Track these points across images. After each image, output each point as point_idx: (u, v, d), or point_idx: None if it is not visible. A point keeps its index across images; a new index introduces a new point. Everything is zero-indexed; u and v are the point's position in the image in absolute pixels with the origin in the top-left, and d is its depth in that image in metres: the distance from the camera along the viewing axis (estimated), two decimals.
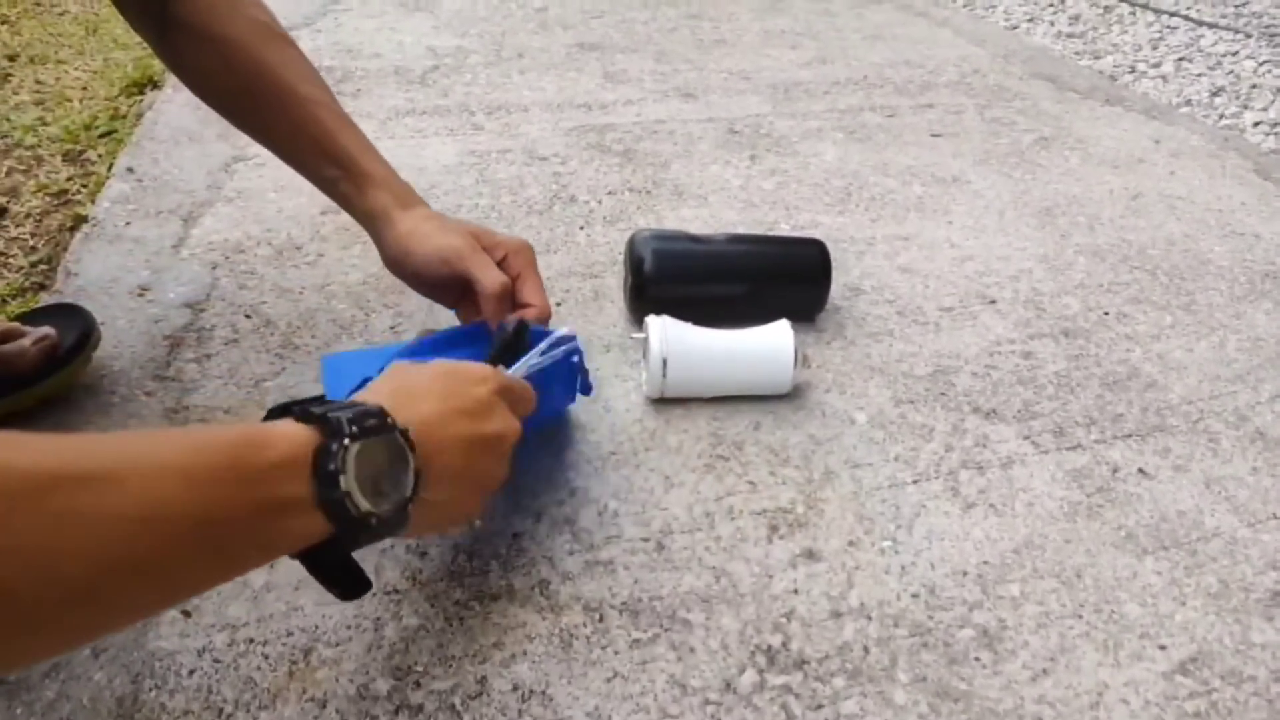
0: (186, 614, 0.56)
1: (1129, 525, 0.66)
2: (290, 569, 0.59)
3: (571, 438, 0.72)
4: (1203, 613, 0.60)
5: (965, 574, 0.62)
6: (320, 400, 0.47)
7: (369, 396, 0.47)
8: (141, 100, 1.32)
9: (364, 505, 0.41)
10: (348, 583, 0.48)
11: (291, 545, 0.41)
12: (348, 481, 0.40)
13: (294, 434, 0.41)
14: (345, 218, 0.70)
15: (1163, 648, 0.58)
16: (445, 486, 0.47)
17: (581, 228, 1.02)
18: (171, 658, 0.54)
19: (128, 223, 0.98)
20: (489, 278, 0.64)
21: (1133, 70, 1.67)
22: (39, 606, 0.32)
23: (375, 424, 0.43)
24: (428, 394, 0.49)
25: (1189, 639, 0.58)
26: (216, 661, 0.54)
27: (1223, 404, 0.79)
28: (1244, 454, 0.74)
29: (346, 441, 0.41)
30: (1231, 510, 0.68)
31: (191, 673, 0.53)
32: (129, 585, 0.35)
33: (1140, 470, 0.71)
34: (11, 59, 1.46)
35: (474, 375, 0.52)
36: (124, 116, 1.27)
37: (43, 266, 0.93)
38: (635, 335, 0.80)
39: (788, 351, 0.74)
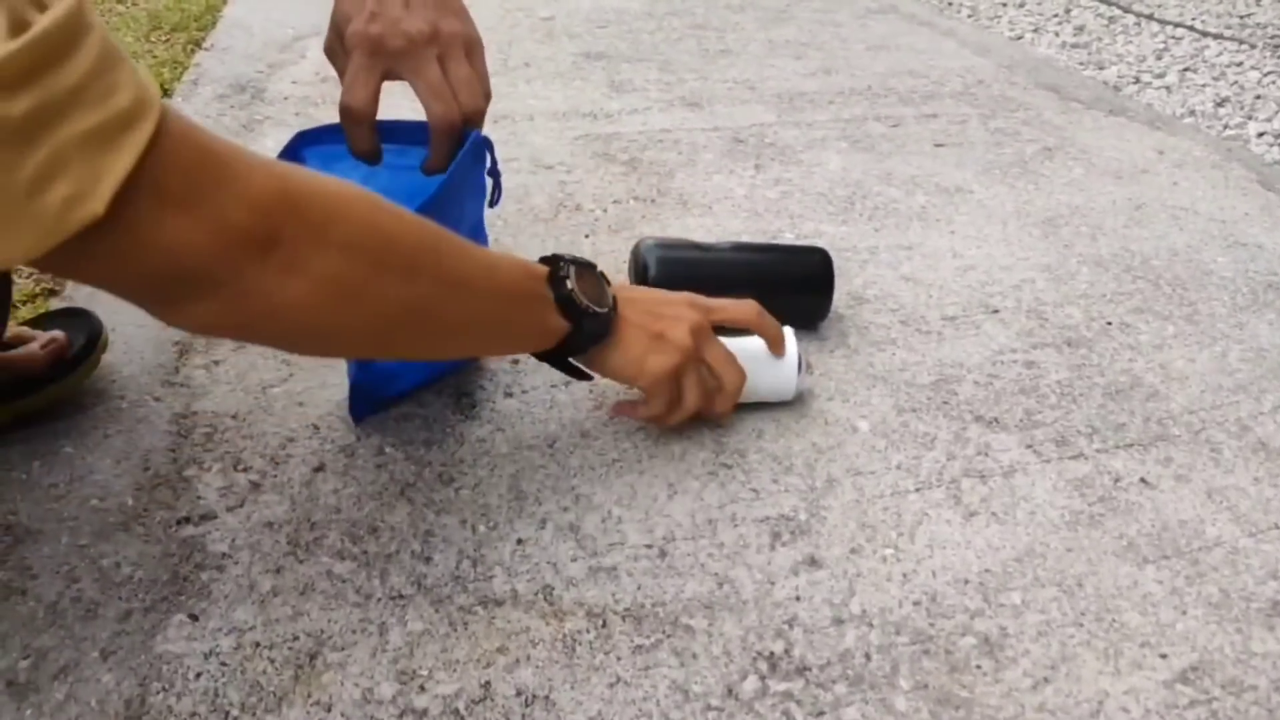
0: (194, 617, 0.57)
1: (1130, 534, 0.67)
2: (296, 575, 0.60)
3: (576, 444, 0.72)
4: (1204, 622, 0.60)
5: (967, 582, 0.62)
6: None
7: None
8: None
9: (584, 301, 0.62)
10: (577, 374, 0.69)
11: (544, 335, 0.63)
12: (572, 284, 0.62)
13: (540, 265, 0.63)
14: None
15: (1164, 656, 0.58)
16: (630, 330, 0.66)
17: (587, 236, 1.02)
18: (179, 661, 0.54)
19: None
20: (343, 95, 0.64)
21: (1137, 81, 1.68)
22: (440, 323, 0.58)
23: (584, 261, 0.65)
24: (641, 291, 0.71)
25: (1190, 648, 0.58)
26: (223, 665, 0.54)
27: (1225, 414, 0.79)
28: (1246, 464, 0.74)
29: (569, 265, 0.63)
30: (1233, 520, 0.68)
31: (198, 676, 0.53)
32: (480, 323, 0.61)
33: (1142, 480, 0.72)
34: None
35: (678, 298, 0.71)
36: None
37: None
38: None
39: (792, 358, 0.74)
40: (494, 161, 0.71)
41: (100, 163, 0.38)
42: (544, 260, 0.64)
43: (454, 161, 0.65)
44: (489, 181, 0.73)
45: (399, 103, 0.69)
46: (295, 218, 0.47)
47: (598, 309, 0.63)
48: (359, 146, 0.66)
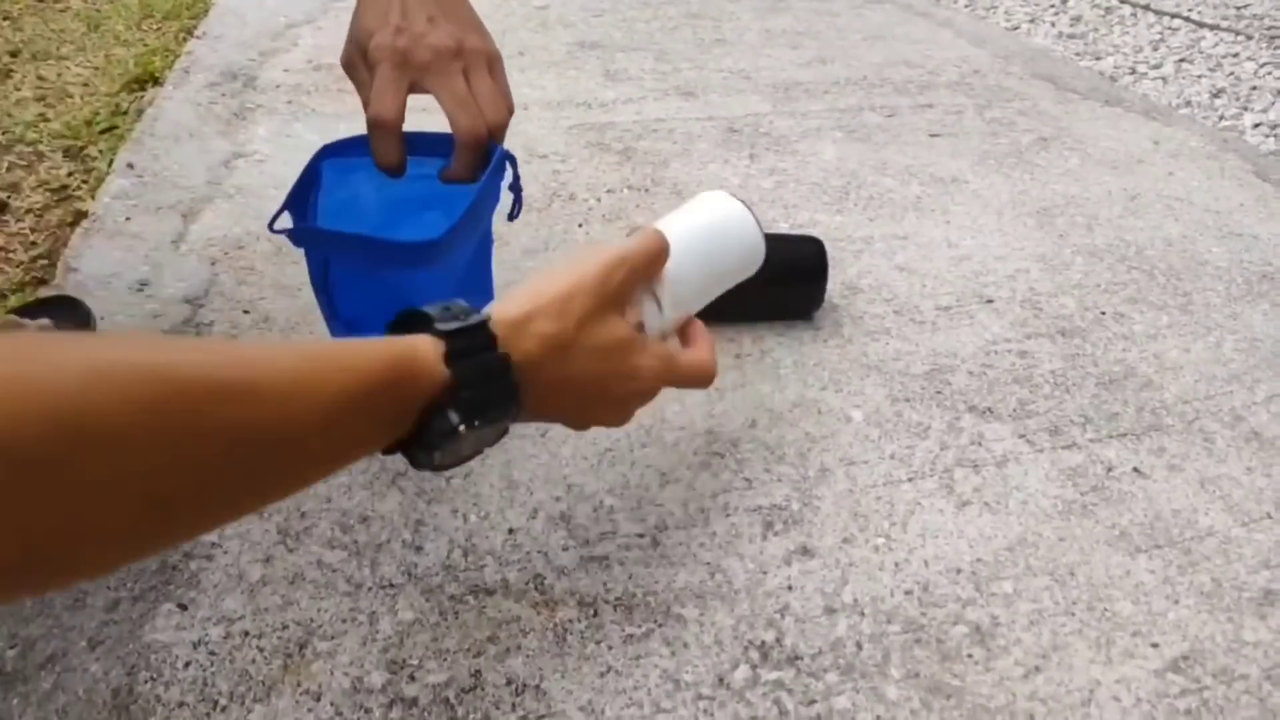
0: (183, 607, 0.57)
1: (1123, 524, 0.66)
2: (286, 564, 0.60)
3: (569, 434, 0.72)
4: (1195, 611, 0.60)
5: (959, 571, 0.62)
6: (458, 314, 0.45)
7: (521, 320, 0.47)
8: (142, 96, 1.32)
9: (460, 440, 0.43)
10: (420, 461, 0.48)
11: (379, 449, 0.43)
12: (449, 449, 0.43)
13: (433, 371, 0.42)
14: None
15: (1155, 646, 0.58)
16: (551, 416, 0.51)
17: (580, 225, 1.02)
18: (167, 650, 0.54)
19: (127, 218, 0.98)
20: (370, 106, 0.62)
21: (1133, 71, 1.68)
22: (181, 503, 0.34)
23: (500, 396, 0.44)
24: (583, 374, 0.49)
25: (1181, 637, 0.58)
26: (212, 654, 0.54)
27: (1218, 404, 0.79)
28: (1239, 454, 0.74)
29: (474, 424, 0.43)
30: (1225, 509, 0.68)
31: (187, 665, 0.53)
32: (255, 480, 0.37)
33: (1135, 469, 0.72)
34: (13, 55, 1.47)
35: (637, 362, 0.52)
36: (125, 113, 1.27)
37: (43, 262, 0.93)
38: None
39: (743, 213, 0.64)
40: (516, 176, 0.71)
41: None
42: (415, 323, 0.44)
43: (485, 175, 0.65)
44: (509, 195, 0.73)
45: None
46: None
47: (475, 434, 0.44)
48: (387, 158, 0.65)
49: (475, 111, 0.64)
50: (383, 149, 0.64)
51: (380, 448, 0.43)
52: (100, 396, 0.30)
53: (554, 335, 0.48)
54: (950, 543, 0.64)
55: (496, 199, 0.74)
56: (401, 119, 0.64)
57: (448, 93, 0.63)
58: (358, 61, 0.66)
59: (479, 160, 0.65)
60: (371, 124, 0.63)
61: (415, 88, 0.64)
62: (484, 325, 0.45)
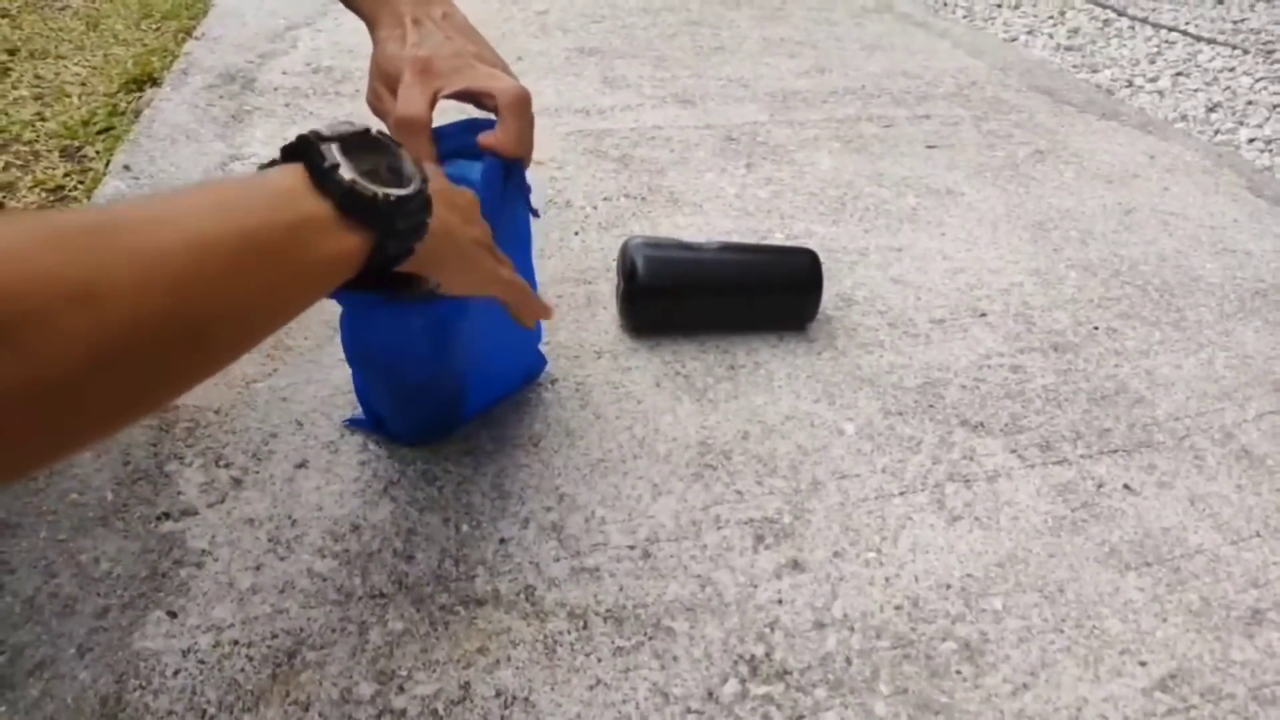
0: (172, 614, 0.56)
1: (1113, 541, 0.67)
2: (276, 573, 0.60)
3: (561, 444, 0.72)
4: (1183, 629, 0.60)
5: (949, 587, 0.62)
6: None
7: None
8: (140, 97, 1.32)
9: (376, 188, 0.42)
10: (405, 282, 0.50)
11: (334, 267, 0.43)
12: (347, 169, 0.42)
13: (286, 168, 0.42)
14: None
15: (1143, 664, 0.58)
16: (443, 208, 0.49)
17: (576, 233, 1.02)
18: (156, 658, 0.54)
19: None
20: (398, 107, 0.62)
21: (1130, 84, 1.68)
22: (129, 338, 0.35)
23: (348, 128, 0.44)
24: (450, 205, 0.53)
25: (1169, 656, 0.59)
26: (201, 663, 0.54)
27: (1209, 421, 0.79)
28: (1229, 472, 0.74)
29: (327, 142, 0.42)
30: (1215, 527, 0.69)
31: (176, 673, 0.53)
32: (199, 315, 0.37)
33: (1125, 486, 0.72)
34: (11, 53, 1.47)
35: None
36: (123, 113, 1.27)
37: None
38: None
39: None
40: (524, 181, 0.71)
41: None
42: (289, 151, 0.44)
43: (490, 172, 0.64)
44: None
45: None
46: None
47: (400, 190, 0.44)
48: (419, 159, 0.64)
49: (508, 78, 0.64)
50: (414, 149, 0.63)
51: (327, 257, 0.42)
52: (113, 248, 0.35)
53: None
54: (940, 558, 0.64)
55: (515, 201, 0.73)
56: (429, 118, 0.63)
57: (477, 74, 0.64)
58: (383, 91, 0.65)
59: (528, 125, 0.64)
60: (399, 123, 0.62)
61: (438, 96, 0.64)
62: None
